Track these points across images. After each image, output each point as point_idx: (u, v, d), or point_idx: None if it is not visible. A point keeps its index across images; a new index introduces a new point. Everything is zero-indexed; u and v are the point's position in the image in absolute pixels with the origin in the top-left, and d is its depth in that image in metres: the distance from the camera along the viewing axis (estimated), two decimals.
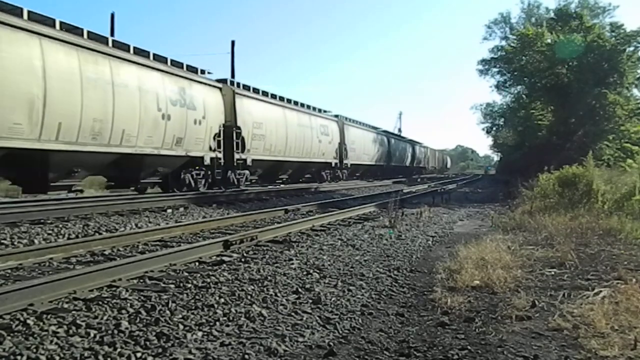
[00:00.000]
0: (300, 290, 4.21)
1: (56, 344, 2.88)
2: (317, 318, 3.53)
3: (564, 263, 5.39)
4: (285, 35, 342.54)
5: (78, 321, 3.24)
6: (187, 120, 14.37)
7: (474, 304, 3.98)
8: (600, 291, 4.05)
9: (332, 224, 8.91)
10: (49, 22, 10.55)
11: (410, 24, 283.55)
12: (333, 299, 4.01)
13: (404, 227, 8.72)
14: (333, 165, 26.81)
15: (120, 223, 8.68)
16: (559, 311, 3.68)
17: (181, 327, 3.23)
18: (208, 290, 4.13)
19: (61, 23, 10.84)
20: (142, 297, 3.91)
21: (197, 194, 14.02)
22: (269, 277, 4.63)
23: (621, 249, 6.23)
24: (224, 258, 5.57)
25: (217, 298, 3.91)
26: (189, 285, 4.30)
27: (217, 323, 3.33)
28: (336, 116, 28.71)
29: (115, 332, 3.10)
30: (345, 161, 28.41)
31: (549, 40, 22.69)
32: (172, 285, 4.33)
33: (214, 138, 15.83)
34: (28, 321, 3.23)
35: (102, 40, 11.99)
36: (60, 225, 8.05)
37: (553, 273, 5.06)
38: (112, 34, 21.72)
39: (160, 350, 2.86)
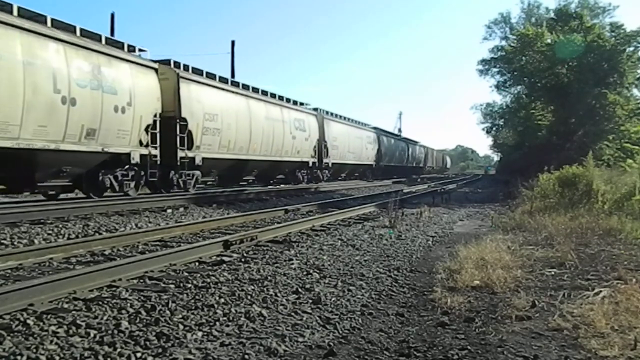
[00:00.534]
0: (300, 290, 4.21)
1: (56, 344, 2.88)
2: (317, 318, 3.53)
3: (564, 263, 5.39)
4: (285, 35, 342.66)
5: (78, 321, 3.24)
6: (104, 106, 11.38)
7: (474, 304, 3.98)
8: (600, 291, 4.05)
9: (332, 224, 8.91)
10: None
11: (411, 24, 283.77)
12: (333, 299, 4.01)
13: (404, 227, 8.72)
14: (310, 164, 23.79)
15: (120, 223, 8.68)
16: (559, 311, 3.68)
17: (181, 327, 3.23)
18: (208, 290, 4.13)
19: None
20: (142, 297, 3.90)
21: (197, 194, 14.01)
22: (269, 277, 4.63)
23: (621, 249, 6.23)
24: (224, 258, 5.57)
25: (217, 298, 3.91)
26: (189, 285, 4.30)
27: (217, 323, 3.33)
28: (315, 109, 25.60)
29: (115, 332, 3.10)
30: (325, 160, 25.50)
31: (549, 40, 22.70)
32: (172, 285, 4.33)
33: (147, 130, 12.80)
34: (28, 321, 3.23)
35: None
36: (60, 225, 8.05)
37: (553, 273, 5.06)
38: (112, 34, 21.71)
39: (160, 350, 2.86)
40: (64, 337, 3.00)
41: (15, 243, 6.52)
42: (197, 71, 15.67)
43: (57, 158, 10.57)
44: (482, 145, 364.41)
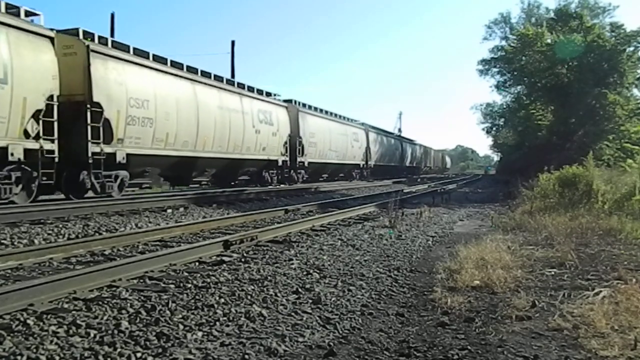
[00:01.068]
0: (300, 290, 4.21)
1: (56, 344, 2.88)
2: (317, 318, 3.53)
3: (564, 263, 5.38)
4: (286, 35, 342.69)
5: (78, 321, 3.24)
6: None
7: (474, 304, 3.98)
8: (600, 291, 4.04)
9: (332, 224, 8.91)
10: None
11: (411, 24, 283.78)
12: (333, 299, 4.01)
13: (404, 227, 8.72)
14: (280, 163, 20.87)
15: (120, 223, 8.68)
16: (559, 311, 3.68)
17: (181, 327, 3.23)
18: (208, 290, 4.13)
19: None
20: (142, 297, 3.90)
21: (197, 194, 14.01)
22: (269, 277, 4.63)
23: (621, 249, 6.23)
24: (224, 258, 5.56)
25: (217, 298, 3.91)
26: (189, 285, 4.30)
27: (217, 323, 3.33)
28: (288, 101, 22.63)
29: (115, 332, 3.10)
30: (300, 159, 22.47)
31: (549, 40, 22.71)
32: (172, 285, 4.33)
33: (36, 118, 10.13)
34: (28, 321, 3.22)
35: None
36: (60, 225, 8.05)
37: (553, 273, 5.06)
38: (112, 34, 21.76)
39: (160, 350, 2.86)
40: (64, 337, 3.00)
41: (15, 243, 6.52)
42: (120, 46, 12.68)
43: None
44: (482, 145, 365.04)
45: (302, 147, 22.71)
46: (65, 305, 3.65)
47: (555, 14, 26.72)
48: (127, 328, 3.16)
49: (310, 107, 24.84)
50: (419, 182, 33.66)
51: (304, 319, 3.51)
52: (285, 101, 22.35)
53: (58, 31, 11.20)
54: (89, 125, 11.30)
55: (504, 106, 33.46)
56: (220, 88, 17.06)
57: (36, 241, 6.69)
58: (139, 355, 2.77)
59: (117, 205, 10.48)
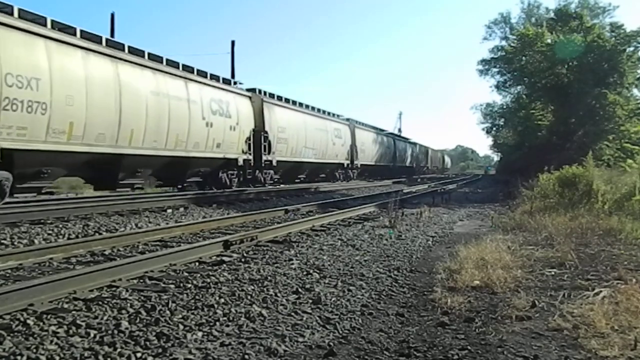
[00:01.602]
0: (300, 290, 4.21)
1: (56, 344, 2.88)
2: (317, 318, 3.53)
3: (564, 263, 5.38)
4: (285, 35, 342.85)
5: (78, 321, 3.24)
6: None
7: (474, 304, 3.98)
8: (600, 291, 4.05)
9: (332, 224, 8.91)
10: None
11: (411, 24, 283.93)
12: (333, 299, 4.01)
13: (404, 227, 8.72)
14: (241, 163, 17.48)
15: (120, 223, 8.68)
16: (559, 311, 3.68)
17: (181, 327, 3.23)
18: (208, 291, 4.13)
19: None
20: (142, 297, 3.90)
21: (197, 194, 14.01)
22: (269, 277, 4.63)
23: (621, 249, 6.23)
24: (224, 258, 5.57)
25: (217, 298, 3.91)
26: (189, 285, 4.30)
27: (217, 323, 3.33)
28: (251, 90, 19.18)
29: (115, 332, 3.10)
30: (267, 157, 18.98)
31: (549, 40, 22.71)
32: (172, 286, 4.33)
33: None
34: (28, 321, 3.23)
35: None
36: (60, 225, 8.05)
37: (553, 273, 5.06)
38: (112, 34, 21.73)
39: (160, 350, 2.86)
40: (64, 337, 3.00)
41: (15, 243, 6.52)
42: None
43: None
44: (482, 145, 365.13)
45: (269, 143, 19.15)
46: (65, 305, 3.65)
47: (555, 14, 26.72)
48: (127, 328, 3.16)
49: (280, 97, 21.39)
50: (418, 182, 33.65)
51: (304, 319, 3.51)
52: (248, 90, 18.97)
53: None
54: None
55: (504, 106, 33.48)
56: (157, 70, 13.49)
57: (36, 241, 6.69)
58: (139, 355, 2.77)
59: (117, 205, 10.48)
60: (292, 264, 5.32)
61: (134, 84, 12.49)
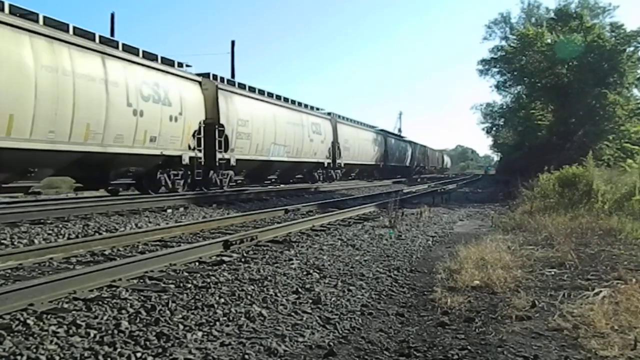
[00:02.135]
0: (300, 290, 4.21)
1: (56, 344, 2.88)
2: (317, 318, 3.53)
3: (564, 263, 5.39)
4: (285, 35, 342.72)
5: (78, 321, 3.24)
6: None
7: (474, 304, 3.98)
8: (600, 291, 4.05)
9: (332, 224, 8.91)
10: None
11: (410, 24, 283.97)
12: (333, 299, 4.01)
13: (404, 227, 8.72)
14: (186, 161, 14.46)
15: (120, 223, 8.68)
16: (559, 311, 3.68)
17: (181, 327, 3.23)
18: (208, 290, 4.13)
19: None
20: (142, 297, 3.90)
21: (197, 194, 14.01)
22: (269, 277, 4.63)
23: (621, 249, 6.23)
24: (224, 258, 5.56)
25: (217, 298, 3.91)
26: (189, 285, 4.30)
27: (217, 323, 3.33)
28: (203, 75, 16.19)
29: (115, 332, 3.10)
30: (224, 155, 16.11)
31: (549, 40, 22.71)
32: (172, 285, 4.33)
33: None
34: (28, 321, 3.23)
35: None
36: (60, 225, 8.05)
37: (553, 273, 5.06)
38: (112, 34, 21.72)
39: (160, 350, 2.86)
40: (64, 337, 3.00)
41: (15, 243, 6.52)
42: None
43: None
44: (482, 145, 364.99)
45: (226, 139, 16.23)
46: (65, 305, 3.65)
47: (555, 14, 26.70)
48: (127, 328, 3.16)
49: (242, 85, 18.26)
50: (418, 182, 33.63)
51: (304, 319, 3.51)
52: (199, 75, 15.91)
53: None
54: None
55: (504, 106, 33.41)
56: (56, 39, 10.38)
57: (36, 241, 6.69)
58: (139, 355, 2.77)
59: (117, 205, 10.48)
60: (292, 263, 5.32)
61: (14, 55, 9.40)
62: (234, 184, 17.63)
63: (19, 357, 2.67)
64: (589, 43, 21.40)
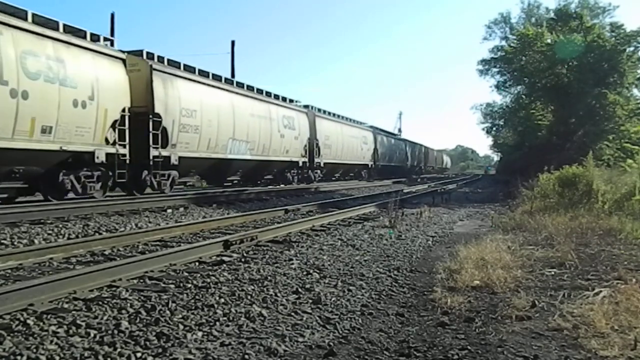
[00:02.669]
0: (300, 290, 4.21)
1: (56, 344, 2.88)
2: (317, 318, 3.53)
3: (564, 263, 5.38)
4: (286, 35, 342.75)
5: (78, 321, 3.24)
6: None
7: (474, 304, 3.98)
8: (600, 291, 4.04)
9: (332, 224, 8.91)
10: None
11: (410, 24, 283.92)
12: (333, 299, 4.01)
13: (404, 227, 8.72)
14: (102, 159, 11.49)
15: (120, 223, 8.68)
16: (559, 311, 3.68)
17: (181, 327, 3.23)
18: (208, 290, 4.13)
19: None
20: (142, 297, 3.90)
21: (197, 194, 14.00)
22: (269, 277, 4.63)
23: (621, 249, 6.23)
24: (224, 258, 5.57)
25: (217, 298, 3.91)
26: (189, 285, 4.30)
27: (217, 323, 3.33)
28: (133, 53, 13.28)
29: (115, 332, 3.10)
30: (160, 153, 13.26)
31: (549, 41, 22.72)
32: (172, 285, 4.33)
33: None
34: (28, 321, 3.23)
35: None
36: (60, 225, 8.05)
37: (553, 273, 5.06)
38: (112, 34, 21.69)
39: (160, 350, 2.86)
40: (64, 337, 3.00)
41: (15, 243, 6.52)
42: None
43: None
44: (482, 145, 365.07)
45: (165, 132, 13.35)
46: (65, 305, 3.65)
47: (555, 14, 26.72)
48: (127, 328, 3.16)
49: (188, 68, 15.24)
50: (418, 182, 33.60)
51: (304, 319, 3.51)
52: (125, 53, 12.77)
53: None
54: None
55: (504, 106, 33.42)
56: None
57: (36, 241, 6.69)
58: (139, 355, 2.77)
59: (117, 205, 10.48)
60: (292, 263, 5.32)
61: None
62: (175, 185, 14.65)
63: (19, 357, 2.67)
64: (589, 43, 21.41)
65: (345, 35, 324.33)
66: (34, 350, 2.76)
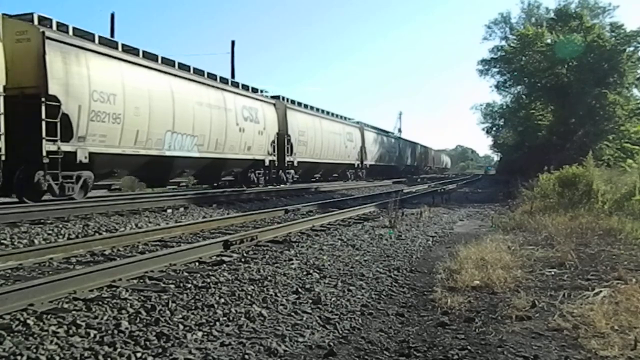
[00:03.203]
0: (300, 290, 4.21)
1: (56, 344, 2.88)
2: (317, 318, 3.53)
3: (564, 263, 5.38)
4: (285, 35, 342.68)
5: (78, 321, 3.24)
6: None
7: (474, 304, 3.98)
8: (600, 291, 4.04)
9: (332, 224, 8.91)
10: None
11: (410, 24, 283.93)
12: (333, 299, 4.01)
13: (404, 227, 8.72)
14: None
15: (120, 223, 8.68)
16: (559, 311, 3.68)
17: (181, 327, 3.23)
18: (208, 291, 4.13)
19: None
20: (142, 297, 3.90)
21: (197, 194, 14.00)
22: (269, 277, 4.63)
23: (621, 249, 6.23)
24: (224, 258, 5.57)
25: (217, 298, 3.91)
26: (189, 286, 4.30)
27: (217, 323, 3.33)
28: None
29: (115, 332, 3.10)
30: (57, 147, 10.42)
31: (549, 40, 22.75)
32: (172, 286, 4.33)
33: None
34: (28, 321, 3.23)
35: None
36: (60, 225, 8.05)
37: (553, 273, 5.06)
38: (112, 34, 21.68)
39: (160, 350, 2.86)
40: (64, 337, 3.00)
41: (16, 243, 6.52)
42: None
43: None
44: (482, 145, 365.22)
45: (68, 120, 10.65)
46: (65, 305, 3.65)
47: (555, 14, 26.74)
48: (127, 328, 3.16)
49: (106, 41, 12.47)
50: (418, 182, 33.57)
51: (304, 319, 3.51)
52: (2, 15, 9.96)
53: None
54: None
55: (504, 106, 33.51)
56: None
57: (36, 241, 6.69)
58: (139, 355, 2.77)
59: (117, 205, 10.47)
60: (292, 264, 5.32)
61: None
62: (85, 192, 11.57)
63: (19, 357, 2.67)
64: (589, 43, 21.43)
65: (345, 35, 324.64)
66: (34, 350, 2.76)
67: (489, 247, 5.92)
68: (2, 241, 6.49)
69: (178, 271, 4.92)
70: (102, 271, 4.35)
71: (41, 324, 3.21)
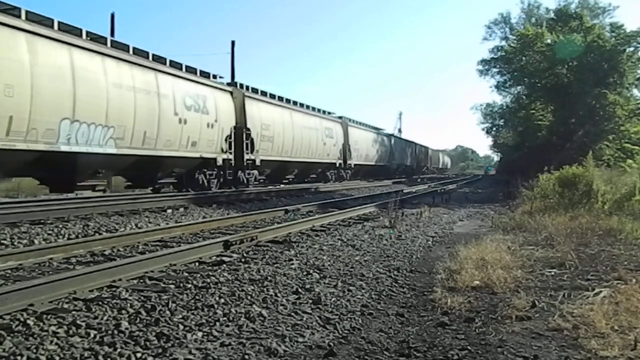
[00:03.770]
0: (300, 290, 4.21)
1: (56, 344, 2.88)
2: (317, 318, 3.53)
3: (564, 263, 5.38)
4: (286, 35, 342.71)
5: (78, 321, 3.24)
6: None
7: (474, 304, 3.98)
8: (600, 291, 4.05)
9: (332, 224, 8.91)
10: None
11: (410, 24, 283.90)
12: (333, 299, 4.01)
13: (404, 227, 8.72)
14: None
15: (120, 223, 8.68)
16: (559, 311, 3.68)
17: (181, 327, 3.23)
18: (208, 291, 4.13)
19: None
20: (142, 298, 3.90)
21: (197, 194, 14.01)
22: (269, 278, 4.63)
23: (621, 249, 6.23)
24: (224, 258, 5.57)
25: (217, 298, 3.91)
26: (189, 286, 4.30)
27: (217, 323, 3.33)
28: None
29: (115, 332, 3.10)
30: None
31: (548, 41, 22.76)
32: (172, 286, 4.32)
33: None
34: (28, 321, 3.23)
35: None
36: (60, 225, 8.05)
37: (553, 273, 5.06)
38: (112, 34, 21.66)
39: (160, 350, 2.86)
40: (64, 337, 3.00)
41: (16, 243, 6.52)
42: None
43: None
44: (482, 145, 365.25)
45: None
46: (65, 306, 3.65)
47: (555, 14, 26.73)
48: (127, 328, 3.16)
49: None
50: (418, 182, 33.56)
51: (304, 319, 3.51)
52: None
53: None
54: None
55: (504, 106, 33.48)
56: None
57: (36, 241, 6.69)
58: (139, 355, 2.77)
59: (117, 205, 10.48)
60: (292, 264, 5.32)
61: None
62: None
63: (19, 357, 2.67)
64: (589, 43, 21.44)
65: (346, 35, 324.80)
66: (34, 351, 2.76)
67: (489, 247, 5.92)
68: (2, 241, 6.49)
69: (178, 271, 4.92)
70: (102, 271, 4.35)
71: (41, 324, 3.21)
